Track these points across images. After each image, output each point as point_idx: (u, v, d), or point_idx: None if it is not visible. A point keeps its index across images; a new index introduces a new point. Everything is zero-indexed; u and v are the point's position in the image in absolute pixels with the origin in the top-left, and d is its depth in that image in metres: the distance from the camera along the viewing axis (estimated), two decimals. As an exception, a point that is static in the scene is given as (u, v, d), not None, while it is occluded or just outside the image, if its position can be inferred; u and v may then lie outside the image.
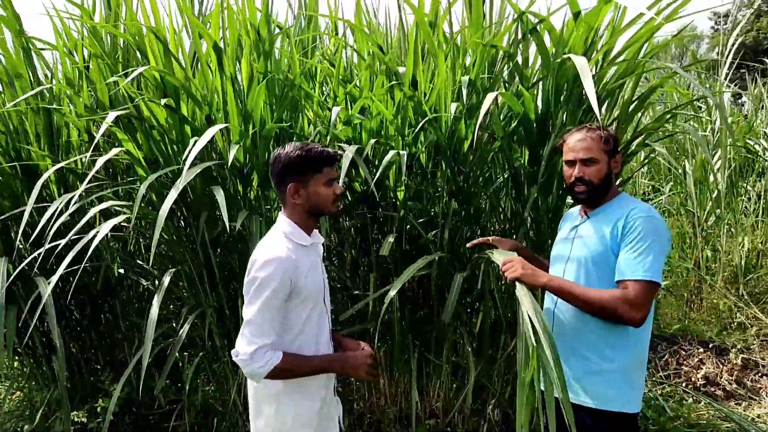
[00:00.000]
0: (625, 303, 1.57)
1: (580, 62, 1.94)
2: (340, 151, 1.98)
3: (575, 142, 1.77)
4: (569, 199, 2.74)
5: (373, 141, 2.45)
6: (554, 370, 1.41)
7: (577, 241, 1.80)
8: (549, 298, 1.89)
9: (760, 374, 3.83)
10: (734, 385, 3.72)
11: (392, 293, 2.23)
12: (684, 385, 3.69)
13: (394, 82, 2.48)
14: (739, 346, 3.95)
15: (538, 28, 2.30)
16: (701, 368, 3.86)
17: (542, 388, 1.71)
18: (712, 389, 3.72)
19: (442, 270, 2.56)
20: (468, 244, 2.12)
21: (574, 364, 1.74)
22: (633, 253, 1.61)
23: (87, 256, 2.15)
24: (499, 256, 1.82)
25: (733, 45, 4.34)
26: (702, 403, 3.36)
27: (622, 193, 1.82)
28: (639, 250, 1.60)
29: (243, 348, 1.51)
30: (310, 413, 1.66)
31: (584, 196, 1.77)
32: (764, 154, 4.66)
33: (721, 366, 3.87)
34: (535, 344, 1.44)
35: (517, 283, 1.65)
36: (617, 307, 1.58)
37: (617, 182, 1.90)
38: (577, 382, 1.74)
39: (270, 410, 1.64)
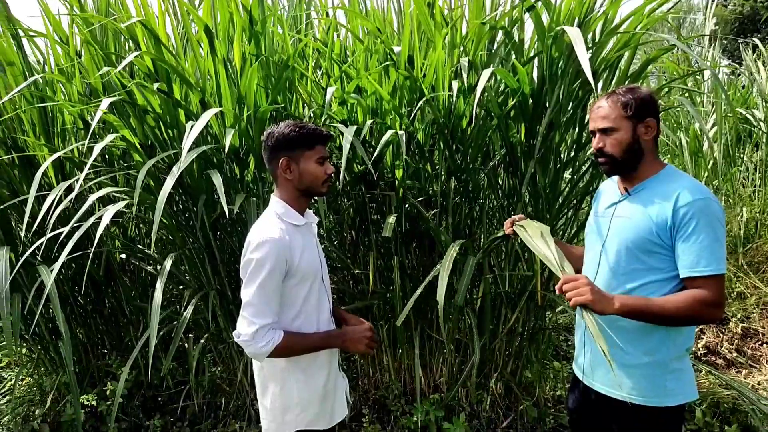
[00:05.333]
0: (705, 306, 1.43)
1: (573, 32, 1.91)
2: (333, 132, 1.97)
3: (595, 110, 1.58)
4: (567, 174, 2.74)
5: (370, 121, 2.44)
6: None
7: (616, 220, 1.61)
8: None
9: (760, 342, 3.87)
10: (734, 354, 3.76)
11: (417, 292, 2.27)
12: (684, 354, 3.73)
13: (388, 62, 2.46)
14: (739, 315, 3.98)
15: (536, 5, 2.27)
16: (702, 338, 3.90)
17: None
18: (713, 358, 3.76)
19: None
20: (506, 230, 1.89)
21: (611, 356, 1.56)
22: (696, 245, 1.43)
23: (95, 243, 2.17)
24: (528, 232, 1.68)
25: (709, 16, 4.26)
26: (703, 372, 3.39)
27: (668, 166, 1.58)
28: (702, 241, 1.42)
29: (244, 329, 1.53)
30: (315, 389, 1.69)
31: (606, 168, 1.60)
32: (759, 124, 4.61)
33: (721, 335, 3.91)
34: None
35: (582, 309, 1.40)
36: (700, 312, 1.44)
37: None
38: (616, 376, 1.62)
39: (275, 388, 1.67)
